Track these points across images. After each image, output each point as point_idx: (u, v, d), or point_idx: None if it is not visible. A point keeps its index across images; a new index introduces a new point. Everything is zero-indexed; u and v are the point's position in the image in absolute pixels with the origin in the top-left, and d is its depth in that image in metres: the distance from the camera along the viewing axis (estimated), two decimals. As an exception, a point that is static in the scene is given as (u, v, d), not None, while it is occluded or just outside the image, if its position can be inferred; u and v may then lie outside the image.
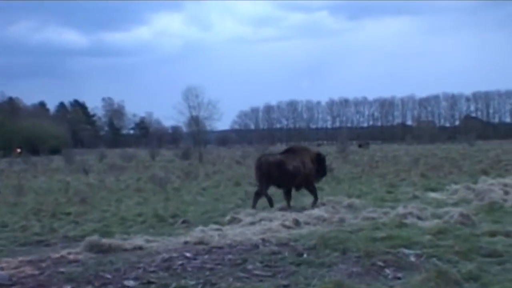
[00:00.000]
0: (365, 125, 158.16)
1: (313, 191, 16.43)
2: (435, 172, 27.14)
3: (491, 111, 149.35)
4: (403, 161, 39.10)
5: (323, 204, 15.54)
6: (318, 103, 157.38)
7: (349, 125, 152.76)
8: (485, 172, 25.52)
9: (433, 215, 13.03)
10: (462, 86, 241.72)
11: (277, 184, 16.21)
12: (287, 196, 16.26)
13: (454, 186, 18.49)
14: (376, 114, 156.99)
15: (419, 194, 17.83)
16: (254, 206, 15.44)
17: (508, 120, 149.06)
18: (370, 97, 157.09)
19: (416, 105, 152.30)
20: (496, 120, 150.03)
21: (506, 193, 16.29)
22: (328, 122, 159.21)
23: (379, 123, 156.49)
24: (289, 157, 16.18)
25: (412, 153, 53.23)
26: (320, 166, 16.82)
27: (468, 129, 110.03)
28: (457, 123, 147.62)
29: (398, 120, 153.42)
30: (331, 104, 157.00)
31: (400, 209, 13.42)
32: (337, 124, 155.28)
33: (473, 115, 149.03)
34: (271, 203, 15.71)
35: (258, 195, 15.88)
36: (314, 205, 15.72)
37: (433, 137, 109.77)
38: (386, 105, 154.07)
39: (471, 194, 16.76)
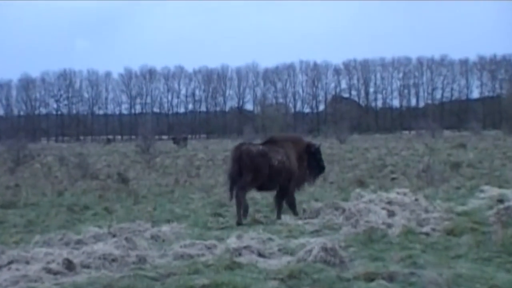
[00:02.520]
0: (182, 110, 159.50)
1: (292, 195, 18.65)
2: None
3: (371, 89, 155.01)
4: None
5: (113, 235, 15.49)
6: (108, 75, 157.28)
7: (156, 110, 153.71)
8: (362, 183, 26.53)
9: (283, 249, 13.41)
10: (330, 52, 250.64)
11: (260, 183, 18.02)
12: (279, 201, 18.51)
13: (315, 205, 19.01)
14: (198, 93, 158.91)
15: (261, 217, 18.20)
16: (239, 212, 17.44)
17: (396, 103, 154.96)
18: (189, 67, 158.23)
19: (259, 80, 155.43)
20: (379, 103, 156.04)
21: (392, 214, 17.03)
22: (123, 106, 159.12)
23: (202, 107, 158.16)
24: (272, 149, 18.11)
25: (253, 153, 54.20)
26: (313, 160, 19.01)
27: (338, 117, 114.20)
28: (321, 107, 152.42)
29: (232, 103, 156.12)
30: (128, 76, 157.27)
31: (233, 241, 13.67)
32: (138, 108, 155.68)
33: (346, 95, 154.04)
34: (246, 211, 17.81)
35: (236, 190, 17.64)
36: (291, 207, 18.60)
37: (285, 128, 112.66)
38: (213, 79, 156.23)
39: (340, 217, 17.39)
